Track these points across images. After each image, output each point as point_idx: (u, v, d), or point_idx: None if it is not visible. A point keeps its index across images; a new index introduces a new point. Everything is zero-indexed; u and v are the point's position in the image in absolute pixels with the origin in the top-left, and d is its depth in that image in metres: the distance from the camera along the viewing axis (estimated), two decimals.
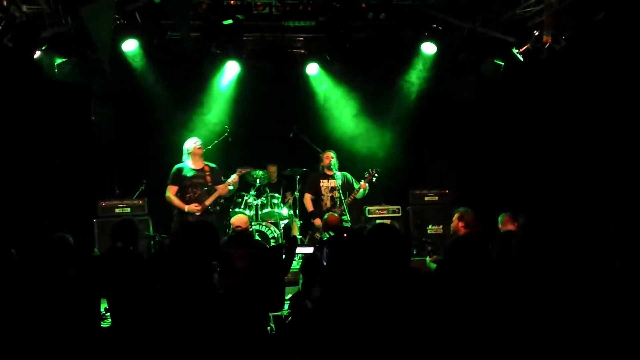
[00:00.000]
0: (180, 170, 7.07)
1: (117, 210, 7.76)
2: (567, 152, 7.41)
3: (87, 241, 7.15)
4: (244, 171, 7.58)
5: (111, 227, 4.93)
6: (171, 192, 7.00)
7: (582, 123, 7.16)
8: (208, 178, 7.07)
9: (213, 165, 7.26)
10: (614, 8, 5.90)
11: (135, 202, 7.95)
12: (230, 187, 7.30)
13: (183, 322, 2.42)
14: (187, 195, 6.99)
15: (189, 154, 7.10)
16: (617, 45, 6.39)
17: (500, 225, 6.40)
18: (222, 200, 7.71)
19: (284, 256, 3.95)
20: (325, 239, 5.15)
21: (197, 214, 6.89)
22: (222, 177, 7.30)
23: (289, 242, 2.85)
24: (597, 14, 6.19)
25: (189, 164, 7.10)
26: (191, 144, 7.12)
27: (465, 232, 5.13)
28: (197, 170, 7.07)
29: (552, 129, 7.74)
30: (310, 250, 3.83)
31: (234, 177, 7.25)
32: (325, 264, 3.69)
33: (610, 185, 6.55)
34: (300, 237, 8.03)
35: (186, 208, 6.89)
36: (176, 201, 6.96)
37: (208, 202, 6.98)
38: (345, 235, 3.65)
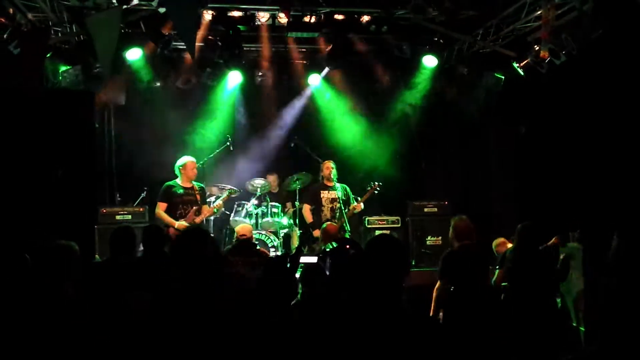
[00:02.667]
0: (170, 187, 6.99)
1: (117, 217, 7.76)
2: (568, 163, 7.46)
3: (87, 248, 7.15)
4: (232, 195, 7.67)
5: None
6: (160, 208, 6.92)
7: (583, 135, 7.22)
8: (198, 197, 7.04)
9: (201, 184, 7.25)
10: (612, 26, 5.97)
11: (136, 209, 7.97)
12: (215, 211, 7.35)
13: (186, 329, 2.45)
14: (178, 212, 6.92)
15: (181, 171, 7.02)
16: (616, 61, 6.46)
17: (496, 249, 6.36)
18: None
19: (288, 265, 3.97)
20: (328, 249, 5.19)
21: None
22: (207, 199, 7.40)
23: (295, 253, 2.89)
24: (595, 31, 6.26)
25: (179, 182, 7.04)
26: (186, 163, 7.04)
27: (458, 245, 5.09)
28: (187, 189, 7.02)
29: (553, 141, 7.79)
30: (313, 259, 3.84)
31: (218, 203, 7.31)
32: (327, 274, 3.71)
33: (612, 196, 6.60)
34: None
35: (176, 225, 6.78)
36: (166, 218, 6.86)
37: (198, 219, 6.94)
38: (348, 247, 3.68)
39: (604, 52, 6.46)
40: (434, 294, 5.14)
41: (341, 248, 3.67)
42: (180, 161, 7.07)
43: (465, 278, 4.77)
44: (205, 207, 7.10)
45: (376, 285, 2.70)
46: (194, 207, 6.90)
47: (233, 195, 7.74)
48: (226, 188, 7.92)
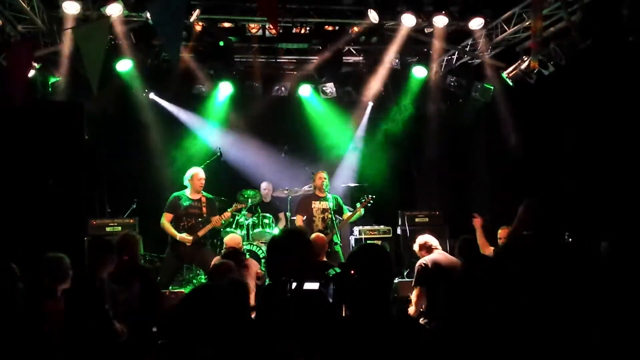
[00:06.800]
0: (177, 198, 7.04)
1: (108, 229, 7.72)
2: (558, 170, 7.50)
3: (77, 260, 7.09)
4: (239, 206, 7.67)
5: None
6: (166, 219, 6.98)
7: (573, 142, 7.26)
8: (204, 209, 7.04)
9: (210, 196, 7.24)
10: (599, 37, 6.02)
11: (126, 220, 7.94)
12: (223, 221, 7.34)
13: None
14: (181, 224, 6.96)
15: (189, 182, 7.06)
16: (604, 71, 6.51)
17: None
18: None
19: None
20: (331, 275, 5.19)
21: (188, 244, 6.88)
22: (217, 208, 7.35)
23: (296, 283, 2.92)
24: (584, 41, 6.31)
25: (187, 193, 7.07)
26: (193, 174, 7.06)
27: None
28: (194, 201, 7.04)
29: (543, 149, 7.83)
30: (315, 285, 3.79)
31: (227, 214, 7.29)
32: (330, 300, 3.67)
33: (603, 205, 6.63)
34: None
35: (178, 237, 6.84)
36: (169, 229, 6.93)
37: (201, 233, 6.94)
38: (352, 272, 3.63)
39: (591, 63, 6.51)
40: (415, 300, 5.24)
41: (346, 274, 3.62)
42: (188, 173, 7.12)
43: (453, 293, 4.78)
44: (214, 218, 7.07)
45: (361, 298, 2.67)
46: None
47: (239, 207, 7.72)
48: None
